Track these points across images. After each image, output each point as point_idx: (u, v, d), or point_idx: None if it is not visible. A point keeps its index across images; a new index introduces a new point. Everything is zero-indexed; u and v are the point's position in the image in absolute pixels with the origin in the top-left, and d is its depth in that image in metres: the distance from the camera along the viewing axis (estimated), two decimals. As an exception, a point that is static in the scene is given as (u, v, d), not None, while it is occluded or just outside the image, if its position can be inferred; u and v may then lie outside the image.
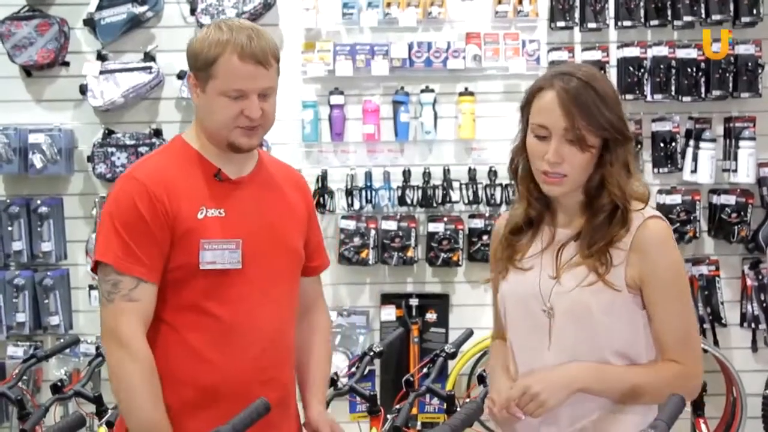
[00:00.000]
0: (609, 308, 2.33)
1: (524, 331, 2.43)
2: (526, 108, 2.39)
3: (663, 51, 5.08)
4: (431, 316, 5.22)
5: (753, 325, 5.20)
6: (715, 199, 5.17)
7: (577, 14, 5.13)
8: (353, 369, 3.63)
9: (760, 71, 5.08)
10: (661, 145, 5.16)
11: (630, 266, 2.33)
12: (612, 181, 2.33)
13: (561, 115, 2.30)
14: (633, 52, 5.09)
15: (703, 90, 5.09)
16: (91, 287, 5.09)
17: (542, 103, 2.34)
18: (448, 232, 5.10)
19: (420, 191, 5.15)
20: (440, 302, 5.25)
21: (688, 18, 5.06)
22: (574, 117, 2.29)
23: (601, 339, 2.34)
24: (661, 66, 5.06)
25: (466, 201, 5.14)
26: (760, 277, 5.17)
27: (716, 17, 5.04)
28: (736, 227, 5.11)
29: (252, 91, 2.45)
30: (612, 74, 5.13)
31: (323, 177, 5.14)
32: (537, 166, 2.36)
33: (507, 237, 2.47)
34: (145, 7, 5.11)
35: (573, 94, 2.29)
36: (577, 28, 5.17)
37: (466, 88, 5.15)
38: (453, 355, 3.60)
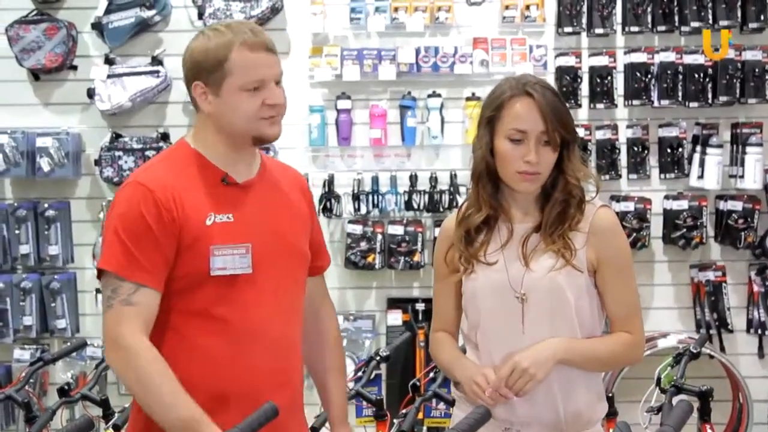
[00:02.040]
0: (577, 288, 2.58)
1: (499, 320, 2.62)
2: (495, 116, 2.57)
3: (670, 56, 5.08)
4: (437, 320, 5.21)
5: (759, 331, 5.19)
6: (722, 205, 5.16)
7: (584, 19, 5.13)
8: (359, 373, 3.63)
9: (767, 77, 5.08)
10: (668, 150, 5.15)
11: (590, 248, 2.58)
12: (571, 173, 2.59)
13: (540, 119, 2.53)
14: (640, 57, 5.09)
15: (710, 96, 5.08)
16: (98, 290, 5.07)
17: (518, 110, 2.55)
18: (455, 237, 5.09)
19: (427, 196, 5.14)
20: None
21: (695, 24, 5.05)
22: (549, 121, 2.53)
23: (572, 317, 2.59)
24: (668, 71, 5.06)
25: (473, 206, 5.13)
26: (767, 283, 5.17)
27: (723, 23, 5.03)
28: (742, 233, 5.11)
29: (270, 79, 2.46)
30: (619, 79, 5.14)
31: (330, 181, 5.14)
32: (514, 168, 2.55)
33: (466, 237, 2.65)
34: (152, 12, 5.12)
35: (548, 101, 2.55)
36: (584, 34, 5.17)
37: (473, 93, 5.14)
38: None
